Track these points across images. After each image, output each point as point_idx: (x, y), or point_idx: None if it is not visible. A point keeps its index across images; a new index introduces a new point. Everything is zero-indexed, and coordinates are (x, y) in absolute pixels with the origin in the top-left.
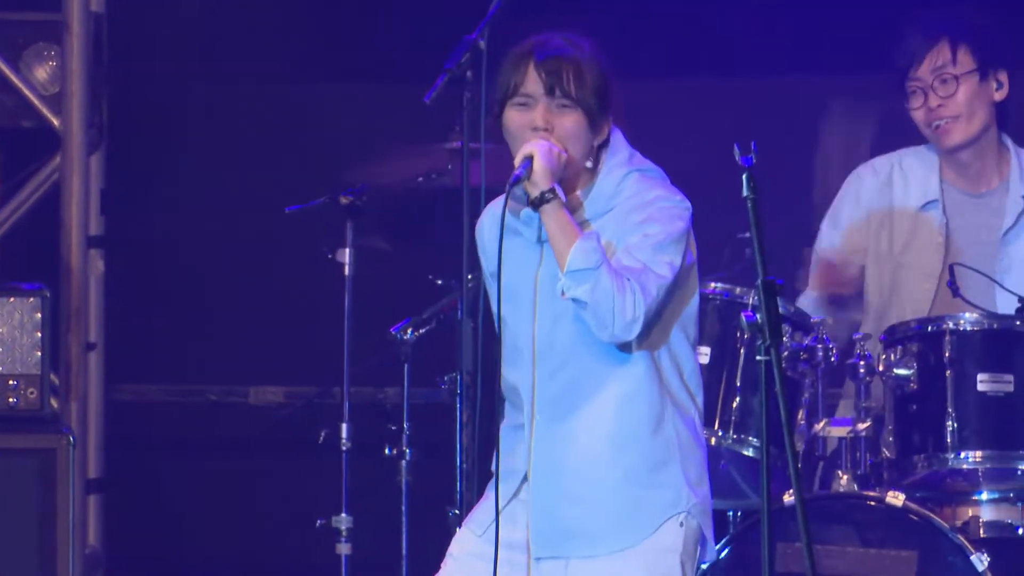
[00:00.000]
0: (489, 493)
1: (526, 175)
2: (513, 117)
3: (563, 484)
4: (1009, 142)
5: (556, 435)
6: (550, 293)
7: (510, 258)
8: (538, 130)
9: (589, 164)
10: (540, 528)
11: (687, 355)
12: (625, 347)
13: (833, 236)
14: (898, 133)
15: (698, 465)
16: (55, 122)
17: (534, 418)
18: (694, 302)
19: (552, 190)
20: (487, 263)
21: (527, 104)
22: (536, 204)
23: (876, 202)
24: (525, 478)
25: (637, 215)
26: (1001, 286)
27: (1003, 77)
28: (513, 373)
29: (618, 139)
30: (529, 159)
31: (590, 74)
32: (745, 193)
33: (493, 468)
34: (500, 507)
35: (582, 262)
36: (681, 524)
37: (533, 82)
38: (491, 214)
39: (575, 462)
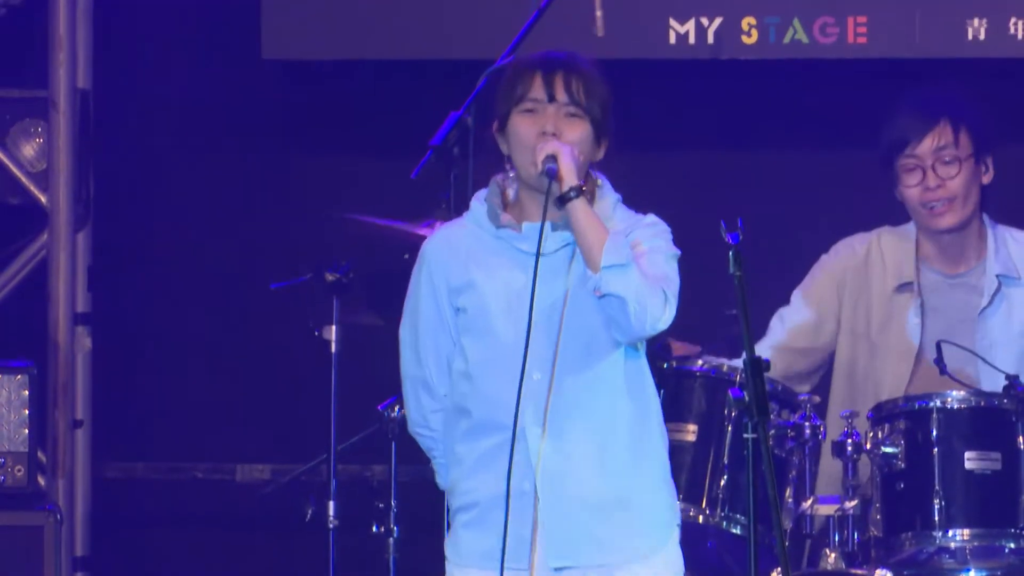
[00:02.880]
0: (461, 532)
1: (554, 176)
2: (521, 123)
3: (579, 492)
4: (988, 221)
5: (567, 445)
6: (551, 305)
7: (497, 271)
8: (547, 135)
9: (598, 184)
10: (557, 539)
11: None
12: (632, 358)
13: (806, 308)
14: (887, 212)
15: None
16: (42, 199)
17: (545, 430)
18: None
19: (580, 187)
20: (447, 278)
21: (535, 110)
22: (563, 200)
23: (854, 280)
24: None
25: (641, 232)
26: (989, 364)
27: (990, 161)
28: (493, 387)
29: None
30: (553, 157)
31: (597, 86)
32: (731, 270)
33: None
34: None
35: (616, 257)
36: (676, 535)
37: (541, 89)
38: (442, 237)
39: (592, 470)
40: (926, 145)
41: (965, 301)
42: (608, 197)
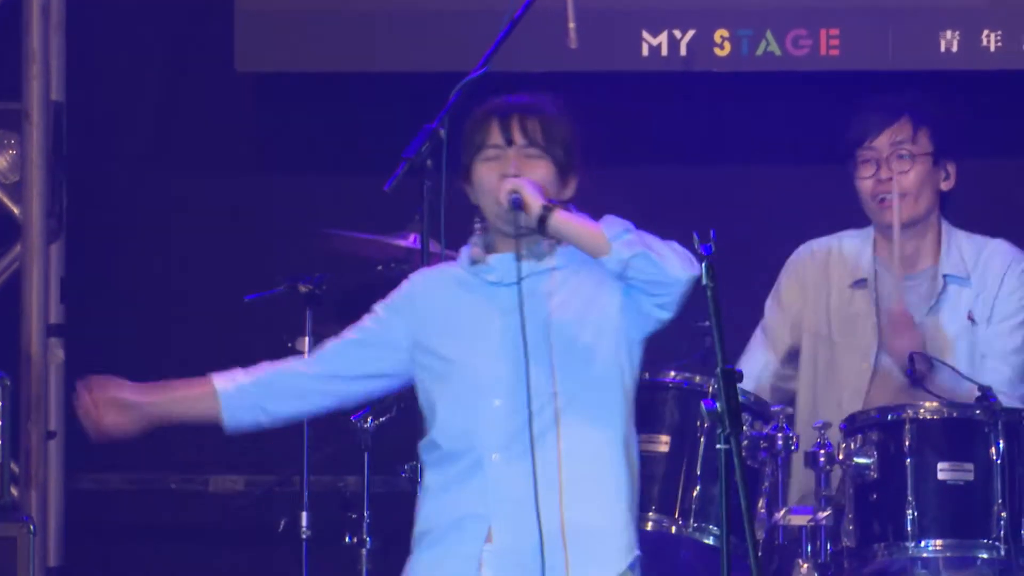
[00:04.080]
0: (416, 555)
1: (521, 207)
2: (483, 171)
3: (532, 519)
4: (946, 226)
5: (527, 470)
6: (515, 334)
7: (466, 305)
8: (508, 176)
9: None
10: (508, 564)
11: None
12: (606, 380)
13: (776, 313)
14: (858, 225)
15: None
16: (15, 210)
17: (502, 455)
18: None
19: (548, 203)
20: (422, 319)
21: (496, 157)
22: (542, 223)
23: (814, 282)
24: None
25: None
26: (962, 375)
27: (951, 168)
28: (463, 417)
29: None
30: (515, 193)
31: (556, 126)
32: (704, 282)
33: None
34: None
35: (617, 230)
36: (634, 561)
37: (498, 135)
38: (431, 270)
39: (549, 496)
40: (884, 139)
41: (916, 304)
42: None
